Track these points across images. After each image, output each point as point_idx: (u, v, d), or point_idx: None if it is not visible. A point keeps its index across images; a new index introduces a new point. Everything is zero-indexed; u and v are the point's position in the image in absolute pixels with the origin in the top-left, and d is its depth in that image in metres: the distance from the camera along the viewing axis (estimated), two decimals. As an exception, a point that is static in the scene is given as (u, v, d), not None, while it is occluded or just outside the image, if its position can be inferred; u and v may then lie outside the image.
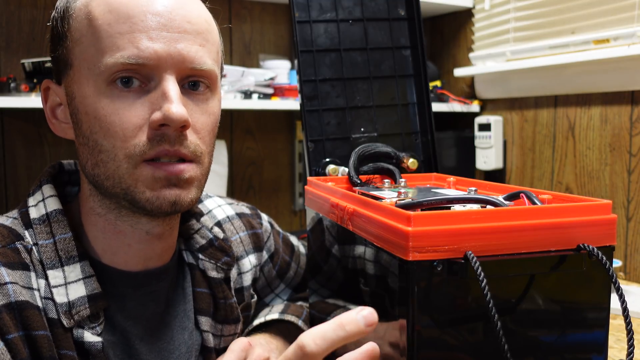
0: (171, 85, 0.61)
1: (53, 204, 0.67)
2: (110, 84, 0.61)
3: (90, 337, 0.64)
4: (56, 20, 0.66)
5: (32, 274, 0.64)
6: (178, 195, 0.63)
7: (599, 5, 1.61)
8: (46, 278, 0.64)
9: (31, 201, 0.69)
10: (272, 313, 0.87)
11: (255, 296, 0.89)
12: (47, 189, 0.69)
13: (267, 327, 0.84)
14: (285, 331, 0.84)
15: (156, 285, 0.72)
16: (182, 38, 0.63)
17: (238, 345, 0.72)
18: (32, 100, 1.42)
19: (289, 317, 0.85)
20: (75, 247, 0.66)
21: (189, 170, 0.64)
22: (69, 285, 0.64)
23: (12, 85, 1.44)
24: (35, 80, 1.46)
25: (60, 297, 0.63)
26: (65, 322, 0.62)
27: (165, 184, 0.63)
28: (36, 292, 0.63)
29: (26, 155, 1.67)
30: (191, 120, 0.63)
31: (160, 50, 0.61)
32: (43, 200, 0.68)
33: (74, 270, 0.65)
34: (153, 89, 0.62)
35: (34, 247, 0.65)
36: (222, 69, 0.74)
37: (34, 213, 0.67)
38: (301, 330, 0.85)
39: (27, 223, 0.67)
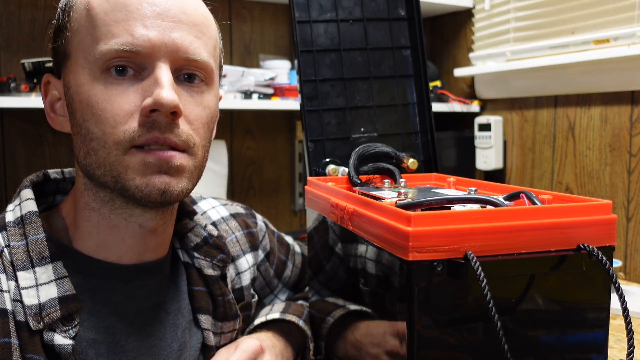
0: (163, 72, 0.61)
1: (28, 207, 0.67)
2: (105, 72, 0.61)
3: (60, 340, 0.62)
4: (59, 14, 0.67)
5: (2, 276, 0.62)
6: (167, 184, 0.62)
7: (599, 5, 1.61)
8: (16, 280, 0.62)
9: (9, 207, 0.69)
10: (273, 312, 0.87)
11: (256, 296, 0.89)
12: (25, 193, 0.69)
13: (268, 326, 0.84)
14: (287, 331, 0.84)
15: (148, 280, 0.71)
16: (177, 27, 0.63)
17: (250, 346, 0.69)
18: (32, 100, 1.41)
19: (290, 317, 0.85)
20: (47, 248, 0.64)
21: (179, 158, 0.63)
22: (40, 287, 0.62)
23: (12, 85, 1.43)
24: (35, 80, 1.46)
25: (29, 299, 0.61)
26: (32, 324, 0.60)
27: (155, 170, 0.62)
28: (6, 294, 0.61)
29: (26, 155, 1.67)
30: (185, 110, 0.63)
31: (155, 38, 0.61)
32: (20, 204, 0.68)
33: (46, 272, 0.63)
34: (146, 77, 0.62)
35: (5, 249, 0.64)
36: (221, 68, 0.74)
37: (9, 217, 0.67)
38: (302, 330, 0.85)
39: (2, 226, 0.66)
